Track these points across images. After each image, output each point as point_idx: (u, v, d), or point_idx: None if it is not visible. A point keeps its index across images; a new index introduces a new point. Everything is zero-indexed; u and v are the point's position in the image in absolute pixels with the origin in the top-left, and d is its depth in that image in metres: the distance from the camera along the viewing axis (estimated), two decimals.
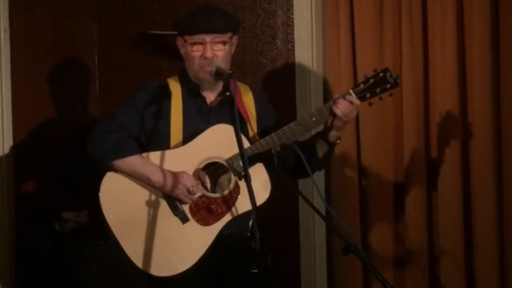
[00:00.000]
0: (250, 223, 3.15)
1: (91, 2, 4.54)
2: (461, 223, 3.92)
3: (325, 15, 4.16)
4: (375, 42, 4.04)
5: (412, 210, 4.01)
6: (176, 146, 3.13)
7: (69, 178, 4.22)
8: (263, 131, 3.17)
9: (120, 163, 3.09)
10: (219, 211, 3.08)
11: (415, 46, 3.96)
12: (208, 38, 3.09)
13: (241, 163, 2.78)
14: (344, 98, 3.07)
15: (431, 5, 3.94)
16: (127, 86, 4.10)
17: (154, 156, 3.11)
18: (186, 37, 3.13)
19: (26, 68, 4.14)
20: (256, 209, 2.71)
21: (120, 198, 3.10)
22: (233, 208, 3.08)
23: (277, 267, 3.05)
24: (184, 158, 3.09)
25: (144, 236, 3.07)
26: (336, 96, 3.10)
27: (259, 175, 3.05)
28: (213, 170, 3.10)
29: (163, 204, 3.09)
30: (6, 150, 4.02)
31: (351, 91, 3.09)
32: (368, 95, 3.09)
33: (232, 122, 2.93)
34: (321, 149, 3.17)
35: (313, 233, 4.21)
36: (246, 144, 3.04)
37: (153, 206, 3.09)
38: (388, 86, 3.10)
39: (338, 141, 3.16)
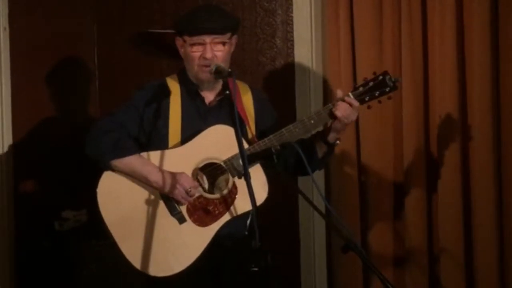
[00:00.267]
0: (248, 222, 3.16)
1: (91, 2, 4.54)
2: (461, 223, 3.92)
3: (325, 14, 4.16)
4: (374, 41, 4.04)
5: (412, 209, 4.00)
6: (175, 146, 3.13)
7: (68, 177, 4.22)
8: (261, 132, 3.17)
9: (118, 162, 3.09)
10: (216, 212, 3.08)
11: (414, 45, 3.96)
12: (207, 39, 3.09)
13: (241, 162, 2.78)
14: (344, 101, 3.07)
15: (431, 4, 3.94)
16: (127, 86, 4.11)
17: (153, 156, 3.11)
18: (186, 37, 3.13)
19: (26, 67, 4.14)
20: (256, 208, 2.71)
21: (118, 198, 3.10)
22: (230, 209, 3.08)
23: (277, 266, 3.04)
24: (182, 159, 3.09)
25: (141, 236, 3.07)
26: (335, 98, 3.10)
27: (257, 176, 3.05)
28: (211, 171, 3.10)
29: (161, 204, 3.09)
30: (6, 149, 4.02)
31: (350, 94, 3.09)
32: (367, 98, 3.09)
33: (231, 121, 2.95)
34: (320, 149, 3.17)
35: (313, 232, 4.21)
36: (244, 145, 3.03)
37: (150, 206, 3.09)
38: (387, 89, 3.10)
39: (337, 142, 3.16)
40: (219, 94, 3.19)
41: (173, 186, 3.04)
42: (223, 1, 4.26)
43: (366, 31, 4.05)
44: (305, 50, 4.17)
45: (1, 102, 4.01)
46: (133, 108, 3.18)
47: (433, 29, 3.94)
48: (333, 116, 3.06)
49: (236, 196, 3.08)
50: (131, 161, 3.08)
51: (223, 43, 3.12)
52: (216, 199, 3.08)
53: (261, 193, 3.06)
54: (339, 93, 3.11)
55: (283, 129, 3.07)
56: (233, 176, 3.07)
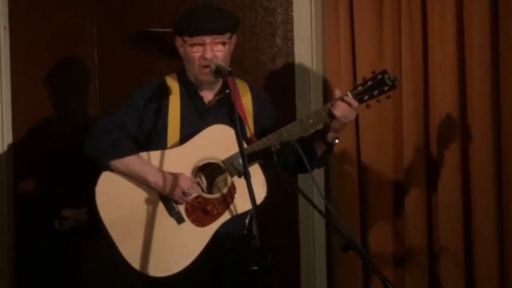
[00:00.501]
0: (247, 221, 3.16)
1: (91, 1, 4.54)
2: (461, 222, 3.92)
3: (325, 13, 4.16)
4: (374, 40, 4.04)
5: (411, 209, 4.00)
6: (173, 146, 3.12)
7: (68, 176, 4.22)
8: (261, 132, 3.17)
9: (117, 163, 3.08)
10: (215, 212, 3.08)
11: (414, 45, 3.96)
12: (207, 39, 3.08)
13: (240, 161, 2.78)
14: (343, 100, 3.06)
15: (431, 4, 3.93)
16: (127, 85, 4.11)
17: (152, 156, 3.11)
18: (186, 38, 3.13)
19: (26, 67, 4.14)
20: (256, 207, 2.71)
21: (116, 199, 3.10)
22: (229, 209, 3.08)
23: (277, 266, 3.04)
24: (181, 158, 3.09)
25: (140, 237, 3.07)
26: (334, 98, 3.10)
27: (256, 176, 3.04)
28: (210, 170, 3.10)
29: (159, 204, 3.09)
30: (6, 148, 4.02)
31: (349, 93, 3.09)
32: (366, 98, 3.09)
33: (230, 120, 2.98)
34: (319, 148, 3.17)
35: (313, 232, 4.21)
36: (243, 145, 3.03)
37: (149, 206, 3.09)
38: (386, 88, 3.10)
39: (336, 141, 3.16)
40: (218, 93, 3.19)
41: (172, 187, 3.04)
42: (223, 1, 4.26)
43: (366, 30, 4.05)
44: (305, 49, 4.17)
45: (1, 101, 4.01)
46: (132, 107, 3.17)
47: (433, 29, 3.94)
48: (332, 116, 3.06)
49: (235, 196, 3.08)
50: (130, 162, 3.08)
51: (223, 43, 3.12)
52: (215, 199, 3.08)
53: (260, 193, 3.06)
54: (337, 92, 3.11)
55: (282, 129, 3.07)
56: (232, 176, 3.07)
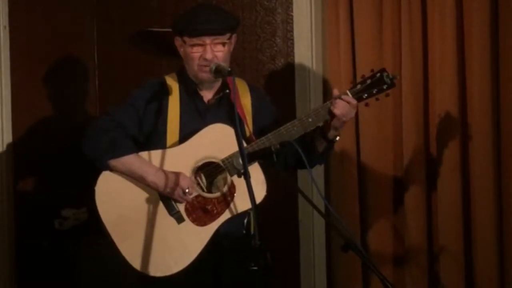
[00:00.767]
0: (245, 221, 3.16)
1: (91, 1, 4.54)
2: (461, 221, 3.92)
3: (325, 13, 4.16)
4: (374, 40, 4.04)
5: (411, 208, 4.00)
6: (173, 145, 3.12)
7: (68, 175, 4.22)
8: (260, 131, 3.16)
9: (116, 162, 3.08)
10: (215, 211, 3.08)
11: (414, 45, 3.95)
12: (208, 40, 3.08)
13: (240, 161, 2.78)
14: (341, 99, 3.07)
15: (431, 4, 3.93)
16: (127, 84, 4.09)
17: (151, 155, 3.10)
18: (185, 38, 3.12)
19: (26, 66, 4.14)
20: (256, 207, 2.71)
21: (116, 198, 3.09)
22: (229, 208, 3.08)
23: (277, 265, 3.04)
24: (180, 158, 3.08)
25: (140, 236, 3.06)
26: (333, 96, 3.10)
27: (256, 175, 3.04)
28: (209, 170, 3.10)
29: (159, 204, 3.08)
30: (6, 148, 4.03)
31: (348, 91, 3.09)
32: (365, 96, 3.09)
33: (230, 120, 2.99)
34: (320, 145, 3.17)
35: (313, 232, 4.20)
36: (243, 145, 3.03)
37: (148, 206, 3.08)
38: (385, 86, 3.10)
39: (337, 138, 3.16)
40: (217, 92, 3.19)
41: (171, 186, 3.03)
42: (223, 1, 4.26)
43: (366, 30, 4.05)
44: (305, 49, 4.17)
45: (1, 101, 4.02)
46: (131, 107, 3.16)
47: (433, 28, 3.94)
48: (331, 114, 3.06)
49: (235, 195, 3.08)
50: (129, 161, 3.07)
51: (223, 44, 3.11)
52: (215, 198, 3.08)
53: (260, 192, 3.06)
54: (336, 91, 3.11)
55: (281, 128, 3.07)
56: (232, 175, 3.07)
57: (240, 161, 2.77)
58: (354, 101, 3.07)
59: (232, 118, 2.90)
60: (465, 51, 3.90)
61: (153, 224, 3.06)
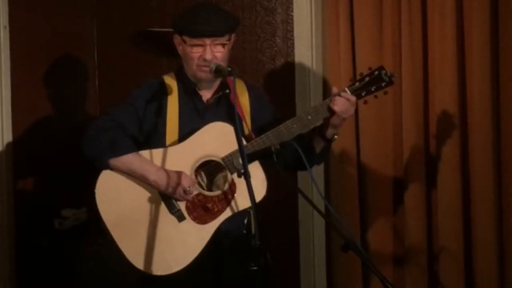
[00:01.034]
0: (245, 220, 3.16)
1: (91, 1, 4.54)
2: (461, 221, 3.92)
3: (325, 13, 4.16)
4: (374, 40, 4.04)
5: (411, 208, 4.00)
6: (172, 144, 3.11)
7: (68, 175, 4.22)
8: (259, 129, 3.16)
9: (116, 161, 3.07)
10: (215, 209, 3.08)
11: (414, 44, 3.96)
12: (208, 40, 3.08)
13: (240, 161, 2.78)
14: (340, 96, 3.07)
15: (431, 4, 3.93)
16: (127, 84, 4.08)
17: (150, 154, 3.09)
18: (185, 38, 3.12)
19: (26, 66, 4.14)
20: (256, 207, 2.71)
21: (116, 197, 3.09)
22: (229, 207, 3.08)
23: (277, 265, 3.04)
24: (180, 156, 3.08)
25: (140, 235, 3.06)
26: (332, 94, 3.10)
27: (256, 174, 3.04)
28: (209, 168, 3.10)
29: (159, 202, 3.08)
30: (6, 147, 4.02)
31: (346, 89, 3.10)
32: (363, 93, 3.10)
33: (229, 119, 2.99)
34: (318, 145, 3.17)
35: (313, 232, 4.20)
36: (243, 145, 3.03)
37: (149, 205, 3.08)
38: (383, 84, 3.11)
39: (335, 137, 3.16)
40: (216, 92, 3.19)
41: (172, 185, 3.03)
42: (223, 1, 4.26)
43: (366, 30, 4.05)
44: (305, 49, 4.17)
45: (1, 101, 4.01)
46: (130, 106, 3.16)
47: (433, 29, 3.94)
48: (331, 111, 3.07)
49: (235, 193, 3.07)
50: (129, 160, 3.07)
51: (223, 45, 3.11)
52: (215, 196, 3.08)
53: (260, 191, 3.05)
54: (335, 89, 3.12)
55: (280, 126, 3.07)
56: (232, 173, 3.07)
57: (240, 160, 2.77)
58: (353, 98, 3.08)
59: (231, 117, 2.91)
60: (465, 51, 3.90)
61: (154, 223, 3.06)
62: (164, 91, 3.19)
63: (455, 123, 3.89)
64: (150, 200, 3.08)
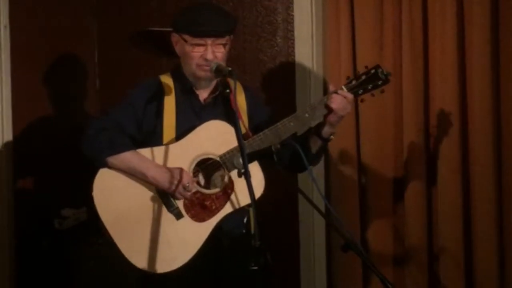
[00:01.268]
0: (245, 220, 3.16)
1: (91, 0, 4.54)
2: (461, 220, 3.92)
3: (325, 12, 4.16)
4: (375, 40, 4.04)
5: (411, 207, 4.00)
6: (169, 143, 3.12)
7: (68, 175, 4.22)
8: (255, 129, 3.16)
9: (114, 159, 3.07)
10: (213, 207, 3.08)
11: (415, 43, 3.96)
12: (209, 40, 3.09)
13: (241, 160, 2.77)
14: (337, 93, 3.07)
15: (431, 4, 3.93)
16: (127, 84, 4.08)
17: (149, 152, 3.09)
18: (186, 37, 3.12)
19: (26, 65, 4.14)
20: (256, 206, 2.71)
21: (114, 195, 3.09)
22: (227, 204, 3.08)
23: (277, 265, 3.04)
24: (178, 154, 3.08)
25: (139, 233, 3.05)
26: (329, 92, 3.10)
27: (254, 173, 3.02)
28: (207, 166, 3.10)
29: (157, 200, 3.08)
30: (6, 147, 4.02)
31: (343, 87, 3.10)
32: (360, 92, 3.11)
33: (226, 118, 3.02)
34: (315, 145, 3.17)
35: (313, 231, 4.20)
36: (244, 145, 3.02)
37: (147, 202, 3.08)
38: (380, 82, 3.12)
39: (332, 136, 3.16)
40: (213, 91, 3.19)
41: (171, 182, 3.03)
42: (223, 1, 4.25)
43: (367, 30, 4.05)
44: (306, 49, 4.17)
45: (1, 99, 4.01)
46: (128, 106, 3.16)
47: (433, 29, 3.94)
48: (328, 109, 3.07)
49: (233, 190, 3.07)
50: (128, 158, 3.07)
51: (224, 45, 3.12)
52: (213, 194, 3.08)
53: (258, 189, 3.04)
54: (331, 87, 3.12)
55: (278, 123, 3.07)
56: (230, 171, 3.06)
57: (241, 160, 2.77)
58: (350, 96, 3.09)
59: (228, 116, 2.95)
60: (466, 50, 3.90)
61: (152, 221, 3.06)
62: (161, 90, 3.19)
63: (456, 123, 3.89)
64: (148, 198, 3.08)
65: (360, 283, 4.12)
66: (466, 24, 3.89)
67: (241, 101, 3.23)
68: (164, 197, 3.07)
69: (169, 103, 3.17)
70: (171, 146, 3.10)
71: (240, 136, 2.75)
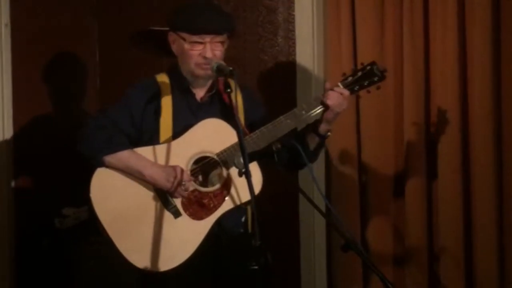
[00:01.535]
0: (243, 219, 3.16)
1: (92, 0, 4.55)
2: (461, 220, 3.91)
3: (326, 12, 4.16)
4: (376, 39, 4.04)
5: (412, 207, 4.00)
6: (166, 142, 3.12)
7: (68, 174, 4.21)
8: (252, 128, 3.16)
9: (111, 158, 3.07)
10: (211, 205, 3.08)
11: (416, 43, 3.95)
12: (208, 38, 3.09)
13: (241, 160, 2.77)
14: (334, 90, 3.08)
15: (432, 4, 3.93)
16: (128, 83, 4.09)
17: (146, 151, 3.09)
18: (184, 35, 3.12)
19: (27, 64, 4.15)
20: (256, 206, 2.71)
21: (111, 195, 3.09)
22: (225, 202, 3.08)
23: (277, 265, 3.04)
24: (175, 153, 3.08)
25: (137, 232, 3.06)
26: (325, 89, 3.11)
27: (253, 172, 3.03)
28: (205, 164, 3.10)
29: (155, 199, 3.08)
30: (6, 146, 4.02)
31: (339, 83, 3.11)
32: (356, 88, 3.13)
33: (223, 117, 3.03)
34: (312, 142, 3.18)
35: (313, 231, 4.20)
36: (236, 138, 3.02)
37: (145, 201, 3.08)
38: (376, 79, 3.14)
39: (329, 133, 3.17)
40: (209, 90, 3.20)
41: (168, 180, 3.03)
42: (223, 0, 4.25)
43: (368, 29, 4.05)
44: (307, 49, 4.17)
45: (2, 98, 4.02)
46: (124, 105, 3.16)
47: (434, 28, 3.94)
48: (325, 106, 3.07)
49: (231, 188, 3.07)
50: (125, 156, 3.07)
51: (222, 43, 3.13)
52: (211, 192, 3.08)
53: (255, 188, 3.02)
54: (327, 84, 3.13)
55: (274, 120, 3.08)
56: (227, 169, 3.06)
57: (241, 160, 2.77)
58: (346, 92, 3.10)
59: (225, 115, 2.98)
60: (467, 49, 3.89)
61: (150, 219, 3.06)
62: (157, 90, 3.19)
63: (456, 123, 3.89)
64: (146, 196, 3.08)
65: (360, 283, 4.12)
66: (467, 24, 3.88)
67: (238, 100, 3.23)
68: (162, 195, 3.07)
69: (166, 102, 3.17)
70: (168, 145, 3.10)
71: (241, 137, 2.75)
